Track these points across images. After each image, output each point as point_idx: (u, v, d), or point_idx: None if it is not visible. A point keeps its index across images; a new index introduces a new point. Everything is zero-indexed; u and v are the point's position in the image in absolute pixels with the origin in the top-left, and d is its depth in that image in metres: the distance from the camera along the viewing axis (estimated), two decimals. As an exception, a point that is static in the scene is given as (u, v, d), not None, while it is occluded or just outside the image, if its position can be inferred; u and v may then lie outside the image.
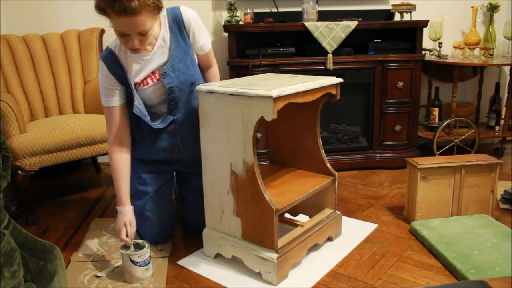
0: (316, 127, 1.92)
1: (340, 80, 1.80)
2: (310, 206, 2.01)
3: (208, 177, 1.75)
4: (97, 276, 1.72)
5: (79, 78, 2.79)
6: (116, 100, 1.74)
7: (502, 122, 3.11)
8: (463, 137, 2.87)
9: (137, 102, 1.73)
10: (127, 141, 1.80)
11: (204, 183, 1.77)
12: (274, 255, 1.62)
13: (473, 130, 2.88)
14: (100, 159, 3.09)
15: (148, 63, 1.72)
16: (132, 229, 1.74)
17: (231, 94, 1.57)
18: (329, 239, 1.94)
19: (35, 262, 1.28)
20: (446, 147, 2.86)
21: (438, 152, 2.83)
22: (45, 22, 2.92)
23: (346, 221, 2.12)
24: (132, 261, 1.65)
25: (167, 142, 1.85)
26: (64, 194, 2.65)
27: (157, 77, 1.72)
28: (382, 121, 2.87)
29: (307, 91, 1.63)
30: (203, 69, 1.93)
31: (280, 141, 2.06)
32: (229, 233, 1.75)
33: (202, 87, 1.67)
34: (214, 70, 1.98)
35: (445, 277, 1.66)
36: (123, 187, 1.77)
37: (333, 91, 1.80)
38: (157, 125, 1.78)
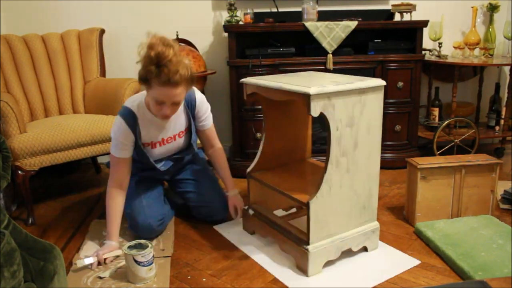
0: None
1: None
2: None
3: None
4: (100, 277, 1.72)
5: (79, 78, 2.79)
6: (126, 153, 1.87)
7: (502, 122, 3.11)
8: (463, 137, 2.87)
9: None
10: (126, 187, 1.92)
11: None
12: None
13: (473, 130, 2.88)
14: (100, 159, 3.09)
15: (161, 129, 1.92)
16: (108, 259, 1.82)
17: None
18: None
19: (35, 262, 1.28)
20: (446, 147, 2.86)
21: (438, 152, 2.83)
22: (45, 22, 2.92)
23: (346, 221, 2.12)
24: (135, 261, 1.65)
25: (162, 174, 2.07)
26: (64, 194, 2.65)
27: (165, 143, 1.95)
28: (382, 121, 2.86)
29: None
30: (206, 146, 2.13)
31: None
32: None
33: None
34: (220, 150, 2.14)
35: (445, 277, 1.66)
36: (115, 224, 1.88)
37: None
38: (161, 167, 2.01)
